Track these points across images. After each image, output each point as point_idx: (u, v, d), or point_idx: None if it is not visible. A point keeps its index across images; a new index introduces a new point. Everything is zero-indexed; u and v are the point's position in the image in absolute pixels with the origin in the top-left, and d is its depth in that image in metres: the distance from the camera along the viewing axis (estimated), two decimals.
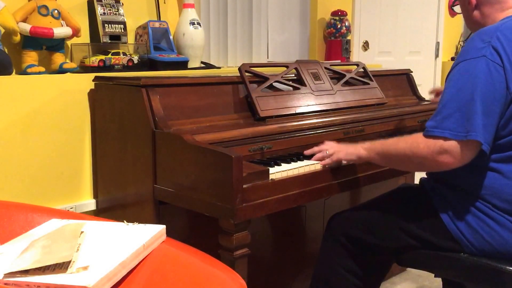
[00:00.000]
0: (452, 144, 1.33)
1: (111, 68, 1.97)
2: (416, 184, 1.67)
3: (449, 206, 1.46)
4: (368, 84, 2.21)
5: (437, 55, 4.12)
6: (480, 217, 1.41)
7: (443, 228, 1.46)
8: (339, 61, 2.98)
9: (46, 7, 1.81)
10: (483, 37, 1.38)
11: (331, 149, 1.62)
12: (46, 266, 0.99)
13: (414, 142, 1.39)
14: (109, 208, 1.81)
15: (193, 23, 2.26)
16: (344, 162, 1.63)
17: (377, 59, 3.51)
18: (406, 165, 1.50)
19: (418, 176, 1.74)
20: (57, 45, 1.87)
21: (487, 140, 1.33)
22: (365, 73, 2.26)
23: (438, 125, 1.35)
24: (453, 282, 1.79)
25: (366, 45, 3.47)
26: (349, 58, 3.09)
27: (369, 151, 1.53)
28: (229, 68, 2.60)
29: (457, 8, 1.68)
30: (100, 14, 1.97)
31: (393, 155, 1.46)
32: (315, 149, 1.67)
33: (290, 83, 1.92)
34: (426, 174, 1.61)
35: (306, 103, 1.91)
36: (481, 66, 1.34)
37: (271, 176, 1.46)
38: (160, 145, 1.54)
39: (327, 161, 1.61)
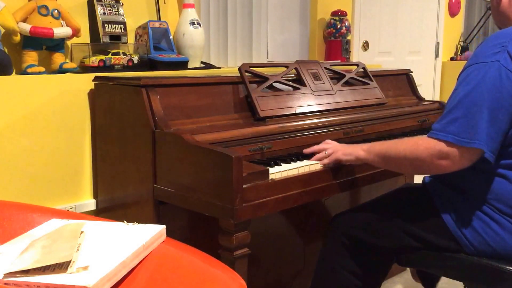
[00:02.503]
0: (454, 150, 1.32)
1: (111, 68, 1.97)
2: (418, 184, 1.67)
3: (452, 207, 1.46)
4: (368, 84, 2.21)
5: (437, 55, 4.12)
6: (483, 220, 1.41)
7: (444, 229, 1.46)
8: (339, 61, 2.98)
9: (46, 7, 1.81)
10: (500, 41, 1.35)
11: (330, 149, 1.62)
12: (46, 266, 0.99)
13: (414, 144, 1.39)
14: (109, 208, 1.81)
15: (193, 23, 2.25)
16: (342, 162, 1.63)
17: (377, 59, 3.52)
18: (404, 167, 1.49)
19: (419, 176, 1.73)
20: (57, 45, 1.87)
21: (491, 148, 1.31)
22: (365, 73, 2.26)
23: (443, 129, 1.34)
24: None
25: (366, 45, 3.47)
26: (349, 58, 3.09)
27: (368, 152, 1.53)
28: (229, 68, 2.60)
29: None
30: (100, 14, 1.97)
31: (393, 157, 1.45)
32: (315, 148, 1.67)
33: (290, 83, 1.92)
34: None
35: (306, 103, 1.91)
36: (493, 71, 1.31)
37: (271, 176, 1.46)
38: (160, 145, 1.54)
39: (325, 161, 1.61)
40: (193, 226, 1.73)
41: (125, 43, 2.06)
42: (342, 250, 1.61)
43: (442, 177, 1.50)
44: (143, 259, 1.12)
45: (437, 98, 4.07)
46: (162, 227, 1.20)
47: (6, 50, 1.76)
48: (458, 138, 1.31)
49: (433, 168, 1.37)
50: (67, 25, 1.87)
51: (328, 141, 1.69)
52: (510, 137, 1.36)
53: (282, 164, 1.57)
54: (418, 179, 1.68)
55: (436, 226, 1.47)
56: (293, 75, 1.98)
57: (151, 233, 1.17)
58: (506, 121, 1.32)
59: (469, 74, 1.35)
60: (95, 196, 1.87)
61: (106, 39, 1.98)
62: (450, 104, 1.36)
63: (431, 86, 4.13)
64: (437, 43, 4.11)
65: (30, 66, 1.78)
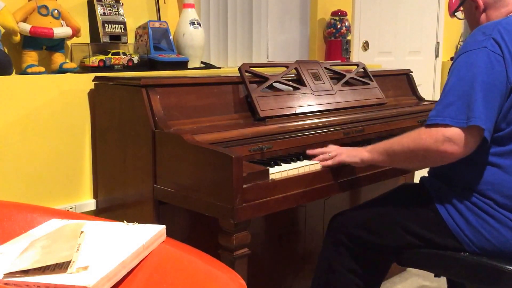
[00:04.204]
0: (455, 132, 1.33)
1: (111, 68, 1.97)
2: (417, 183, 1.67)
3: (450, 204, 1.46)
4: (368, 84, 2.21)
5: (437, 55, 4.12)
6: (480, 215, 1.41)
7: (443, 226, 1.46)
8: (339, 61, 2.98)
9: (46, 7, 1.80)
10: (484, 31, 1.41)
11: (334, 151, 1.62)
12: (46, 266, 0.99)
13: (417, 135, 1.40)
14: (109, 208, 1.81)
15: (193, 23, 2.25)
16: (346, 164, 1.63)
17: (377, 59, 3.51)
18: (411, 161, 1.48)
19: (418, 175, 1.74)
20: (57, 45, 1.87)
21: (488, 127, 1.34)
22: (365, 73, 2.26)
23: (439, 114, 1.37)
24: (457, 283, 1.79)
25: (366, 45, 3.47)
26: (349, 58, 3.09)
27: (372, 152, 1.53)
28: (229, 68, 2.60)
29: (459, 14, 1.69)
30: (100, 14, 1.97)
31: (397, 152, 1.46)
32: (318, 150, 1.67)
33: (290, 83, 1.92)
34: (427, 172, 1.61)
35: (306, 103, 1.91)
36: (482, 56, 1.36)
37: (271, 176, 1.46)
38: (160, 145, 1.54)
39: (329, 162, 1.61)
40: (193, 226, 1.73)
41: (125, 43, 2.06)
42: (341, 249, 1.61)
43: (438, 173, 1.51)
44: (143, 259, 1.11)
45: (437, 98, 4.06)
46: (162, 227, 1.20)
47: (6, 50, 1.76)
48: (456, 120, 1.34)
49: (439, 156, 1.37)
50: (67, 25, 1.87)
51: (331, 145, 1.69)
52: (499, 121, 1.38)
53: (282, 164, 1.57)
54: (417, 179, 1.68)
55: (435, 223, 1.48)
56: (293, 75, 1.98)
57: (151, 233, 1.17)
58: (499, 102, 1.36)
59: (460, 62, 1.41)
60: (95, 196, 1.87)
61: (106, 39, 1.98)
62: (444, 91, 1.40)
63: (431, 86, 4.13)
64: (437, 43, 4.10)
65: (30, 66, 1.78)
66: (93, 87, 1.81)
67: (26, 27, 1.76)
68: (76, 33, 1.91)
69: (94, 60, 1.92)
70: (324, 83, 2.03)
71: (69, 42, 1.98)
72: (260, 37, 2.80)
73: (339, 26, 3.03)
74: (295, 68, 1.98)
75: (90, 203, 1.85)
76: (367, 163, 1.58)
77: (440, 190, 1.50)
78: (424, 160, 1.43)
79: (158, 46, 2.20)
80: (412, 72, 2.58)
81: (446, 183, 1.49)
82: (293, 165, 1.58)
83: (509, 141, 1.40)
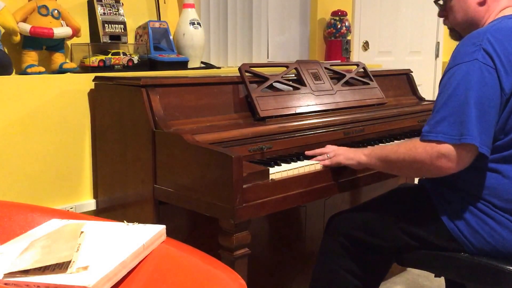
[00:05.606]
0: (449, 148, 1.33)
1: (111, 68, 1.97)
2: (416, 184, 1.67)
3: (449, 205, 1.46)
4: (368, 84, 2.21)
5: (437, 55, 4.12)
6: (479, 217, 1.41)
7: (442, 228, 1.46)
8: (339, 61, 2.98)
9: (46, 7, 1.81)
10: (474, 41, 1.38)
11: (332, 152, 1.63)
12: (46, 266, 0.99)
13: (413, 147, 1.39)
14: (109, 208, 1.81)
15: (193, 23, 2.26)
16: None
17: (377, 59, 3.51)
18: (406, 171, 1.49)
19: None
20: (57, 45, 1.87)
21: (485, 142, 1.33)
22: (365, 73, 2.26)
23: (432, 130, 1.36)
24: (456, 283, 1.79)
25: (366, 45, 3.47)
26: (349, 58, 3.09)
27: (369, 157, 1.53)
28: (229, 68, 2.60)
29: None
30: (100, 14, 1.97)
31: (393, 161, 1.46)
32: (317, 151, 1.67)
33: (290, 83, 1.92)
34: None
35: (306, 103, 1.91)
36: (474, 69, 1.34)
37: (271, 176, 1.46)
38: (160, 145, 1.54)
39: (327, 162, 1.61)
40: (193, 226, 1.73)
41: (125, 43, 2.06)
42: (340, 250, 1.61)
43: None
44: (143, 259, 1.11)
45: None
46: (162, 227, 1.20)
47: (6, 50, 1.76)
48: (448, 136, 1.33)
49: (434, 169, 1.37)
50: (67, 25, 1.87)
51: (329, 146, 1.69)
52: (497, 132, 1.37)
53: (282, 164, 1.57)
54: (417, 180, 1.69)
55: (433, 225, 1.48)
56: (293, 75, 1.98)
57: (151, 233, 1.17)
58: (494, 115, 1.34)
59: (451, 76, 1.38)
60: (95, 196, 1.87)
61: (106, 39, 1.98)
62: (436, 106, 1.38)
63: (431, 86, 4.13)
64: (437, 43, 4.11)
65: (30, 66, 1.78)
66: (93, 87, 1.81)
67: (26, 27, 1.76)
68: (76, 33, 1.91)
69: (94, 60, 1.92)
70: (324, 83, 2.03)
71: (69, 42, 1.98)
72: (260, 37, 2.80)
73: (339, 26, 3.03)
74: (295, 68, 1.98)
75: (90, 203, 1.85)
76: (364, 166, 1.58)
77: (439, 192, 1.50)
78: (419, 172, 1.44)
79: (158, 46, 2.20)
80: (412, 72, 2.58)
81: (445, 186, 1.49)
82: (293, 165, 1.58)
83: (508, 148, 1.39)
